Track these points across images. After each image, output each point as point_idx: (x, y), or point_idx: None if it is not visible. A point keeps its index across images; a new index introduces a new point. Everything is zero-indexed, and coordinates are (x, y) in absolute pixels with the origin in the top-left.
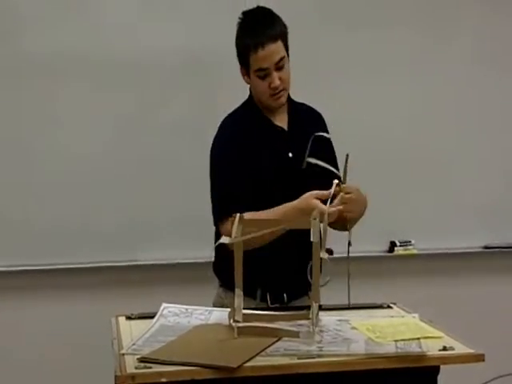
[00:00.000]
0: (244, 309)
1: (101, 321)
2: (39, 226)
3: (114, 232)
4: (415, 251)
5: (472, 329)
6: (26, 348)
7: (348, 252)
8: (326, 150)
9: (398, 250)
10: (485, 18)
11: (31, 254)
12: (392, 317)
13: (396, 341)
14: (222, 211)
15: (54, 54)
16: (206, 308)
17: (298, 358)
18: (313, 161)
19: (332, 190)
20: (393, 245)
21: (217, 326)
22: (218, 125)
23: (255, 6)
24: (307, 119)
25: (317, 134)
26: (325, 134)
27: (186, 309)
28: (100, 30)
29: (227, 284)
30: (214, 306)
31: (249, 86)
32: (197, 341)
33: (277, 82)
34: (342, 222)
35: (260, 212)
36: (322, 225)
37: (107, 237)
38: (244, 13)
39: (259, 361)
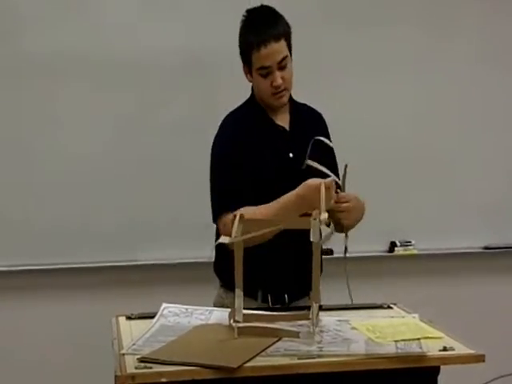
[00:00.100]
0: (245, 309)
1: (101, 321)
2: (39, 226)
3: (114, 232)
4: (415, 251)
5: (472, 329)
6: (26, 348)
7: (345, 257)
8: (327, 156)
9: (399, 250)
10: (488, 16)
11: (31, 253)
12: (392, 317)
13: (396, 341)
14: (221, 207)
15: (54, 54)
16: (207, 308)
17: (298, 359)
18: (312, 164)
19: (330, 179)
20: (393, 245)
21: (217, 326)
22: (219, 123)
23: (258, 4)
24: (309, 120)
25: (318, 137)
26: (327, 142)
27: (186, 309)
28: (100, 30)
29: (228, 284)
30: (215, 306)
31: (251, 84)
32: (197, 341)
33: (279, 81)
34: (339, 227)
35: (259, 206)
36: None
37: (107, 237)
38: (248, 11)
39: (259, 361)
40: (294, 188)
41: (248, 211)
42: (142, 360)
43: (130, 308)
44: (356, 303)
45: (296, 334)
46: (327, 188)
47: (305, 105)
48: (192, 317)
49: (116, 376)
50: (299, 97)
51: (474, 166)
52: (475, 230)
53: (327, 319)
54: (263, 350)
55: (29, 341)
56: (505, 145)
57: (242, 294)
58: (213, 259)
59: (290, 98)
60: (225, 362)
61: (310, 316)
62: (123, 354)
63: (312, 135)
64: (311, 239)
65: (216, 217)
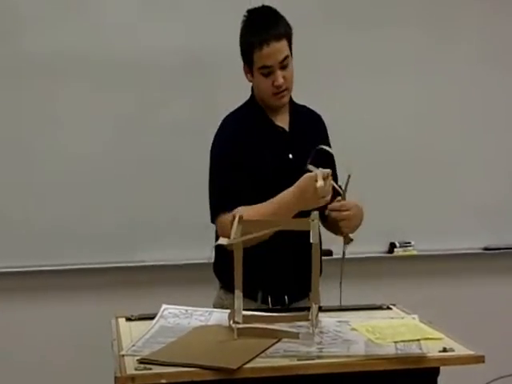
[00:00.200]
0: (244, 310)
1: (101, 322)
2: (39, 225)
3: (113, 232)
4: (415, 252)
5: (472, 330)
6: (25, 348)
7: (342, 261)
8: (327, 161)
9: (398, 251)
10: (489, 17)
11: (31, 253)
12: (392, 318)
13: (396, 342)
14: (219, 207)
15: (54, 54)
16: (206, 309)
17: (298, 360)
18: (313, 169)
19: (328, 170)
20: (392, 246)
21: (217, 328)
22: (219, 123)
23: (259, 4)
24: (308, 121)
25: (321, 146)
26: (330, 150)
27: (186, 310)
28: (100, 30)
29: (227, 285)
30: (214, 307)
31: (251, 85)
32: (197, 342)
33: (280, 81)
34: (339, 233)
35: (256, 205)
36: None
37: (107, 237)
38: (249, 11)
39: (259, 362)
40: None
41: (245, 210)
42: (142, 361)
43: (130, 309)
44: (355, 304)
45: (296, 335)
46: (325, 178)
47: (304, 106)
48: (192, 318)
49: (116, 377)
50: (300, 98)
51: (474, 166)
52: (475, 230)
53: (327, 320)
54: (263, 351)
55: (28, 341)
56: (505, 145)
57: (241, 295)
58: (212, 260)
59: (290, 100)
60: (224, 363)
61: (310, 317)
62: (123, 355)
63: (311, 137)
64: (311, 241)
65: (214, 217)
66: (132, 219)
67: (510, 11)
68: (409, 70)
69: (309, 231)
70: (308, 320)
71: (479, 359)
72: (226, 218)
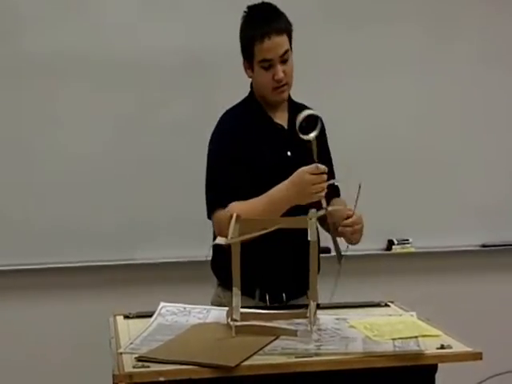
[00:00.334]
0: (242, 308)
1: (98, 319)
2: (39, 225)
3: (113, 232)
4: (413, 249)
5: (470, 327)
6: (26, 347)
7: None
8: (322, 150)
9: (396, 249)
10: (490, 17)
11: (31, 253)
12: (390, 315)
13: (394, 339)
14: (215, 203)
15: (54, 54)
16: (204, 307)
17: (296, 357)
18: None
19: (323, 166)
20: (390, 243)
21: (215, 325)
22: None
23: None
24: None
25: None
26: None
27: (184, 308)
28: (100, 30)
29: (225, 283)
30: (212, 304)
31: (250, 82)
32: (195, 340)
33: (280, 75)
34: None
35: (251, 200)
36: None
37: (107, 236)
38: (249, 7)
39: (257, 359)
40: None
41: (238, 205)
42: (140, 359)
43: (129, 307)
44: (353, 301)
45: (294, 333)
46: (320, 173)
47: (302, 104)
48: (190, 316)
49: (114, 375)
50: (299, 96)
51: (472, 165)
52: (472, 228)
53: (325, 317)
54: (261, 349)
55: (27, 338)
56: (504, 144)
57: (239, 292)
58: (210, 258)
59: (289, 98)
60: (222, 360)
61: (308, 314)
62: (121, 353)
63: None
64: (309, 238)
65: (210, 212)
66: (132, 219)
67: (511, 11)
68: (409, 70)
69: (306, 229)
70: (306, 317)
71: (477, 356)
72: (221, 213)
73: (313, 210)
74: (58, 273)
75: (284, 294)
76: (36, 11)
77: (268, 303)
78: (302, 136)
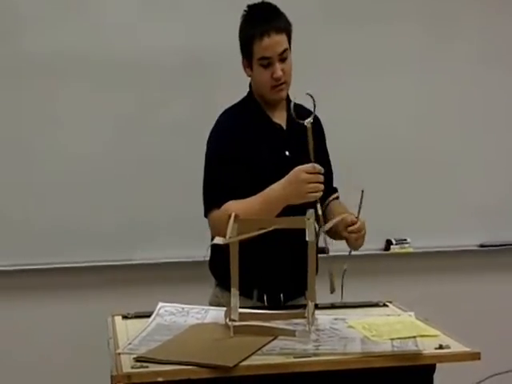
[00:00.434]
0: (240, 308)
1: (97, 320)
2: (39, 225)
3: (113, 232)
4: (411, 249)
5: (468, 327)
6: (25, 347)
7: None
8: (321, 151)
9: (394, 249)
10: (490, 17)
11: (31, 253)
12: (388, 315)
13: (392, 339)
14: (212, 202)
15: (54, 54)
16: (203, 307)
17: (294, 357)
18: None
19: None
20: (389, 243)
21: (213, 325)
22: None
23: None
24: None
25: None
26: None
27: (183, 308)
28: (100, 30)
29: (223, 283)
30: (211, 305)
31: (249, 81)
32: (193, 340)
33: (279, 73)
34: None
35: (247, 199)
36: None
37: (107, 236)
38: (249, 6)
39: (255, 360)
40: None
41: (234, 203)
42: (138, 359)
43: (128, 307)
44: (352, 301)
45: (292, 333)
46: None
47: (301, 105)
48: (188, 316)
49: (112, 376)
50: (299, 96)
51: (471, 165)
52: (471, 227)
53: (323, 318)
54: (259, 349)
55: (26, 338)
56: (503, 144)
57: (237, 292)
58: (208, 258)
59: (287, 98)
60: (221, 360)
61: (306, 314)
62: (119, 354)
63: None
64: (307, 239)
65: (207, 211)
66: (132, 219)
67: (511, 11)
68: (409, 70)
69: (304, 229)
70: (304, 317)
71: (475, 356)
72: (218, 213)
73: (311, 211)
74: (58, 273)
75: (282, 295)
76: (36, 11)
77: (266, 304)
78: (298, 120)
